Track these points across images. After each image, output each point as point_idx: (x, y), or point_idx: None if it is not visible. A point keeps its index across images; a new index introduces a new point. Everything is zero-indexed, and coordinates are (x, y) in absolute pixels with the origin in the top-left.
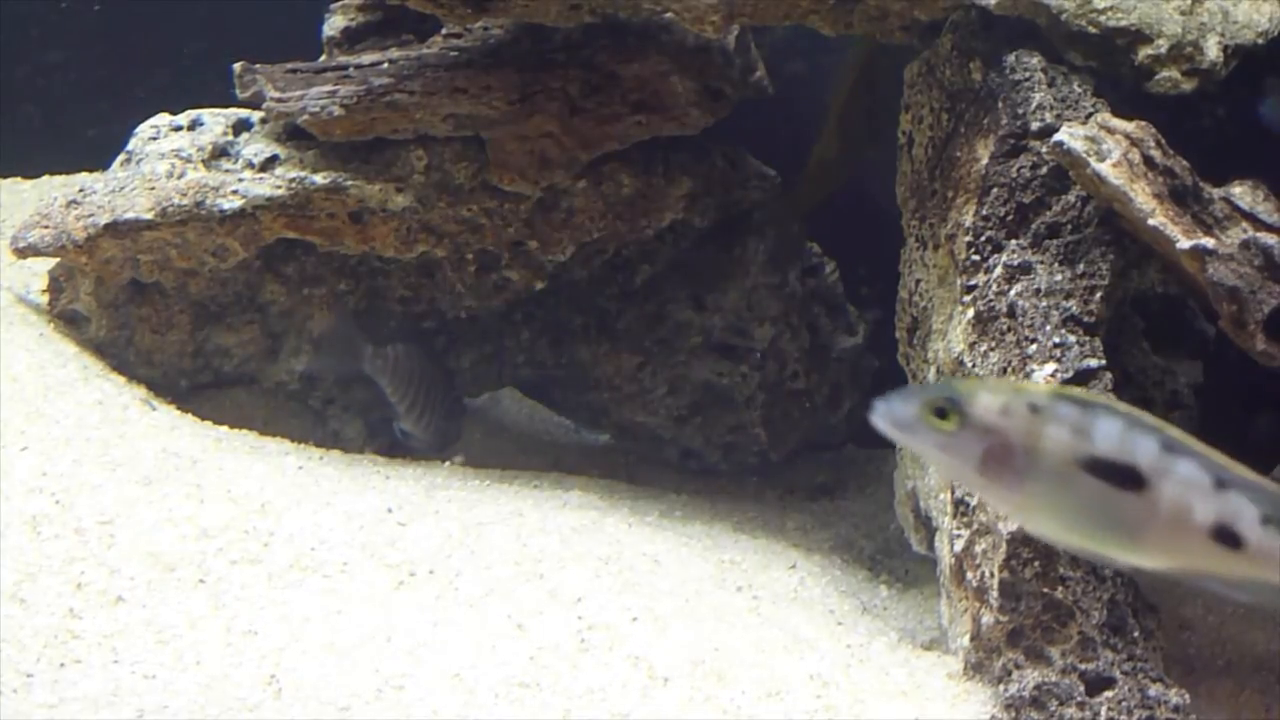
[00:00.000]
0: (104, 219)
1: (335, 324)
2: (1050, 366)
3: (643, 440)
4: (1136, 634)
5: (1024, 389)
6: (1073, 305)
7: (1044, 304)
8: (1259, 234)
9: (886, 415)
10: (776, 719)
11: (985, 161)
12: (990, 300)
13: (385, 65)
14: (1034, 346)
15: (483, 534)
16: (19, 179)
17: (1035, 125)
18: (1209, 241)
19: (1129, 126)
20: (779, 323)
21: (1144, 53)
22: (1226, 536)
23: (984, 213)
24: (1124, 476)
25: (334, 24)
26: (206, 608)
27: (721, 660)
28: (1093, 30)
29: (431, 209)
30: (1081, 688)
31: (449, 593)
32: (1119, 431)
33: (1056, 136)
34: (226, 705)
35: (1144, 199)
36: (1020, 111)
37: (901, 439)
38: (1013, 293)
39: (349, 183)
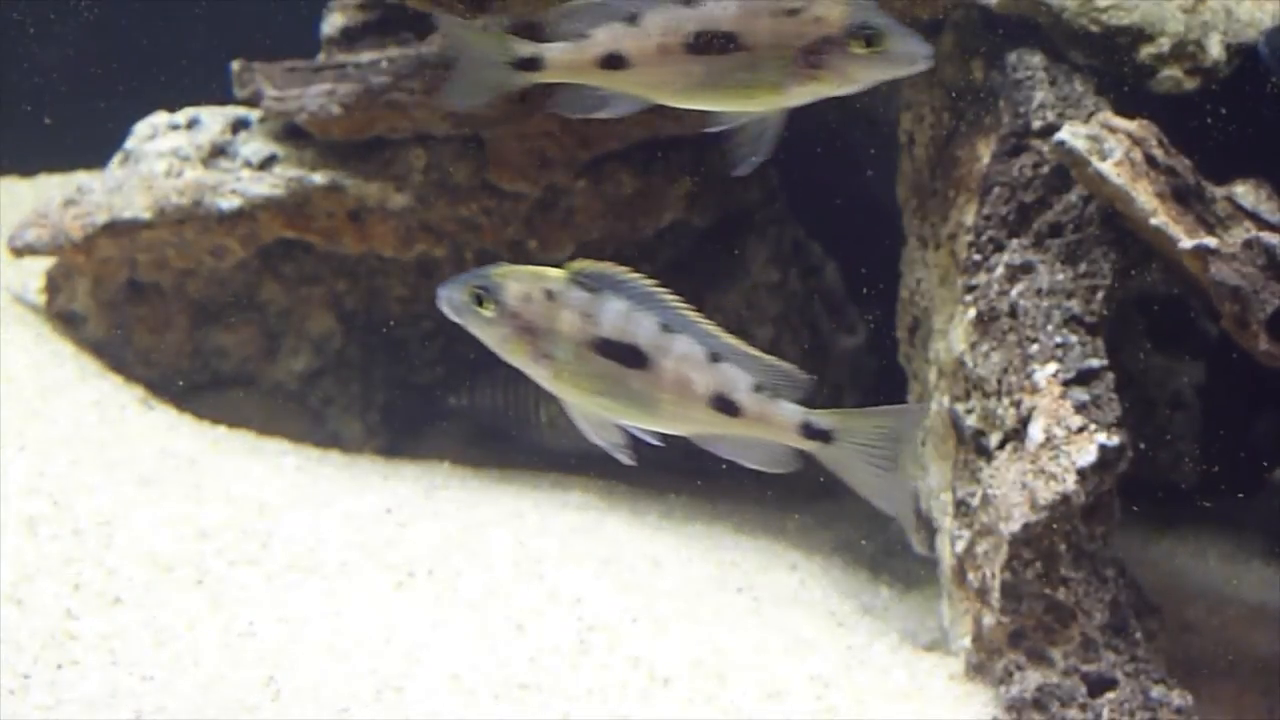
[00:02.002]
0: (102, 218)
1: None
2: (1052, 366)
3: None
4: (1139, 635)
5: (543, 275)
6: (1074, 305)
7: (1045, 304)
8: (1262, 233)
9: (446, 301)
10: None
11: (987, 160)
12: (992, 300)
13: (384, 64)
14: (1035, 346)
15: (482, 535)
16: (16, 177)
17: (1037, 124)
18: (1211, 241)
19: (1131, 125)
20: (779, 323)
21: (1146, 51)
22: (724, 404)
23: (985, 212)
24: (629, 355)
25: (332, 23)
26: (205, 608)
27: (722, 661)
28: (1095, 29)
29: (430, 208)
30: (1083, 689)
31: (448, 593)
32: (621, 314)
33: (1058, 135)
34: (225, 706)
35: (1146, 198)
36: (1022, 110)
37: (459, 321)
38: (1014, 292)
39: (348, 182)
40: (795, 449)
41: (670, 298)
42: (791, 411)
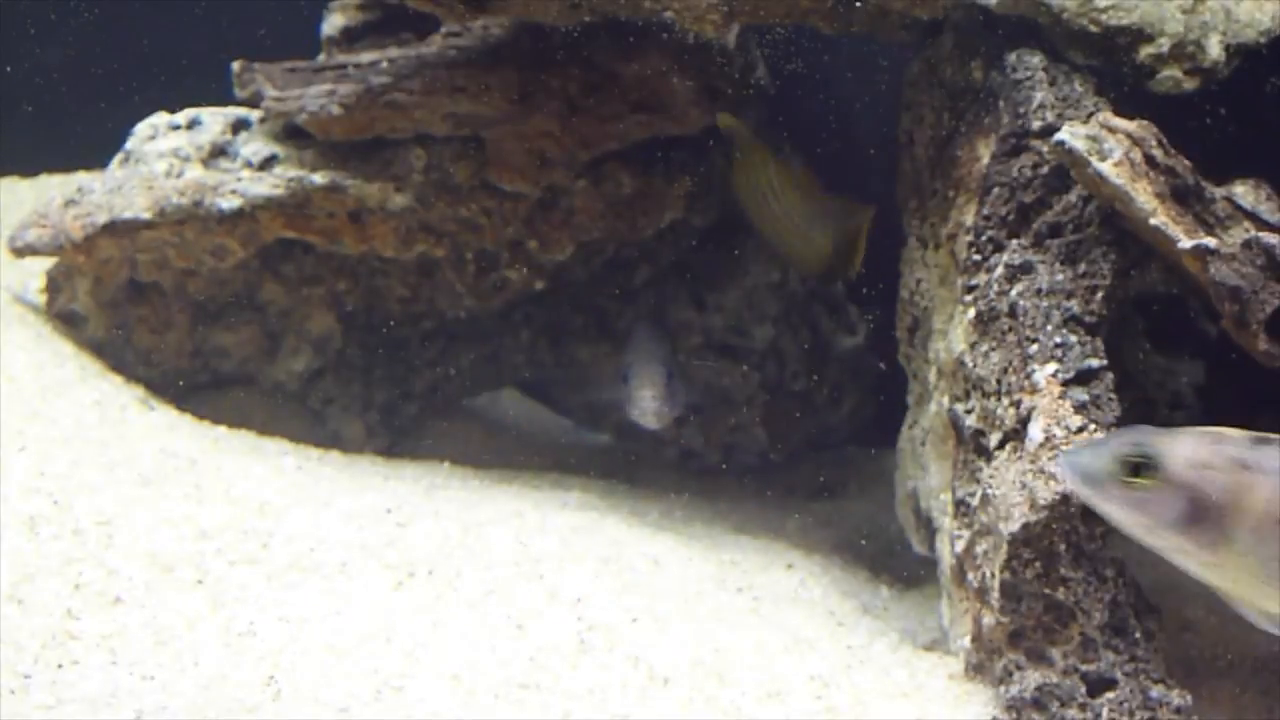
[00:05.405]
0: (102, 218)
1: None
2: (1051, 367)
3: (642, 440)
4: (1138, 635)
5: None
6: (1074, 305)
7: (1045, 304)
8: (1261, 233)
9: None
10: None
11: (986, 161)
12: (991, 300)
13: (384, 64)
14: (1035, 346)
15: (482, 534)
16: (16, 178)
17: (1036, 124)
18: (1211, 241)
19: (1131, 125)
20: (779, 323)
21: (1146, 51)
22: None
23: (985, 212)
24: None
25: (333, 23)
26: (205, 608)
27: (722, 661)
28: (1094, 29)
29: (431, 208)
30: (1083, 689)
31: (448, 593)
32: None
33: (1058, 135)
34: (225, 706)
35: (1146, 198)
36: (1022, 111)
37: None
38: (1014, 292)
39: (348, 182)
40: None
41: None
42: None
